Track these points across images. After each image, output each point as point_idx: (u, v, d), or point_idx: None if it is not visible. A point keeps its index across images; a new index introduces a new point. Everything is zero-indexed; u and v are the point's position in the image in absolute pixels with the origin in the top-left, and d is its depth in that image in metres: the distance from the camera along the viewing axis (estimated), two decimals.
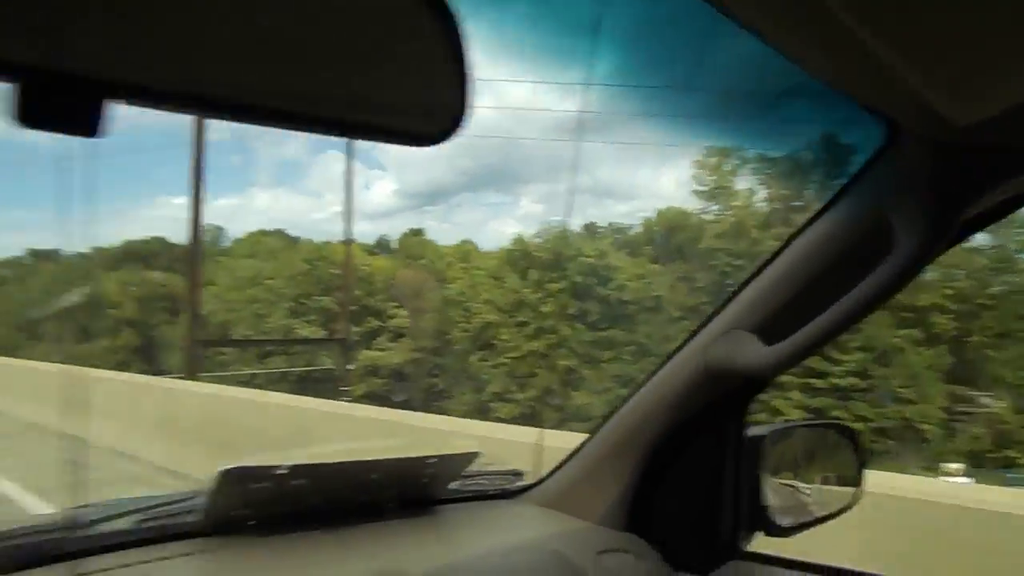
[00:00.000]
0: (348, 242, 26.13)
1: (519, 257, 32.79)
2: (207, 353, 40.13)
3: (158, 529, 1.03)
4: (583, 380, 30.22)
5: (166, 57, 0.41)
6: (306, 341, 32.20)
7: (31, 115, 0.38)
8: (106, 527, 1.01)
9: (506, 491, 1.37)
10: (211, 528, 1.04)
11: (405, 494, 1.22)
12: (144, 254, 57.25)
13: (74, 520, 1.02)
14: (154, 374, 32.28)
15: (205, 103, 0.45)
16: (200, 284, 17.54)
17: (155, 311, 41.89)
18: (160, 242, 64.68)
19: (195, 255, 17.44)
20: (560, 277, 30.86)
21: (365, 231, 68.48)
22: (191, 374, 16.80)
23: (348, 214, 26.60)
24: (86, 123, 0.40)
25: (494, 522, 1.28)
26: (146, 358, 40.17)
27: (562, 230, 32.49)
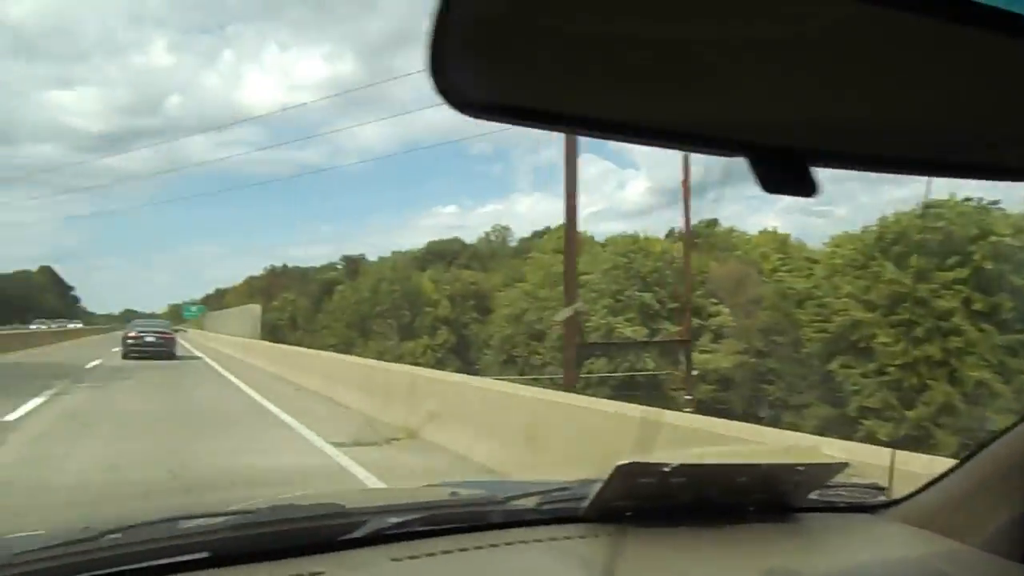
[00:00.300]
0: (686, 232, 22.48)
1: (892, 241, 26.56)
2: (523, 354, 39.22)
3: (554, 511, 1.19)
4: (995, 396, 23.37)
5: (858, 126, 0.49)
6: (655, 344, 29.21)
7: (765, 181, 0.48)
8: (516, 504, 1.20)
9: (866, 505, 1.31)
10: (595, 515, 1.16)
11: (768, 500, 1.24)
12: (446, 253, 59.49)
13: (491, 497, 1.23)
14: (471, 373, 31.42)
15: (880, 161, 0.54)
16: (575, 285, 14.67)
17: (466, 309, 42.16)
18: (458, 242, 67.32)
19: (570, 258, 14.61)
20: (959, 263, 24.16)
21: (618, 229, 66.42)
22: (570, 383, 14.22)
23: (687, 203, 22.43)
24: (806, 185, 0.48)
25: (857, 536, 1.24)
26: (460, 356, 40.48)
27: (957, 205, 25.62)
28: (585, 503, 1.15)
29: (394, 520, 1.09)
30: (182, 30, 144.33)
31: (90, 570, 0.94)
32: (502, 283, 42.96)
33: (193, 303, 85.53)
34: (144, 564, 0.96)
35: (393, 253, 61.38)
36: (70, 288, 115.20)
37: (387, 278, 40.63)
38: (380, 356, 37.72)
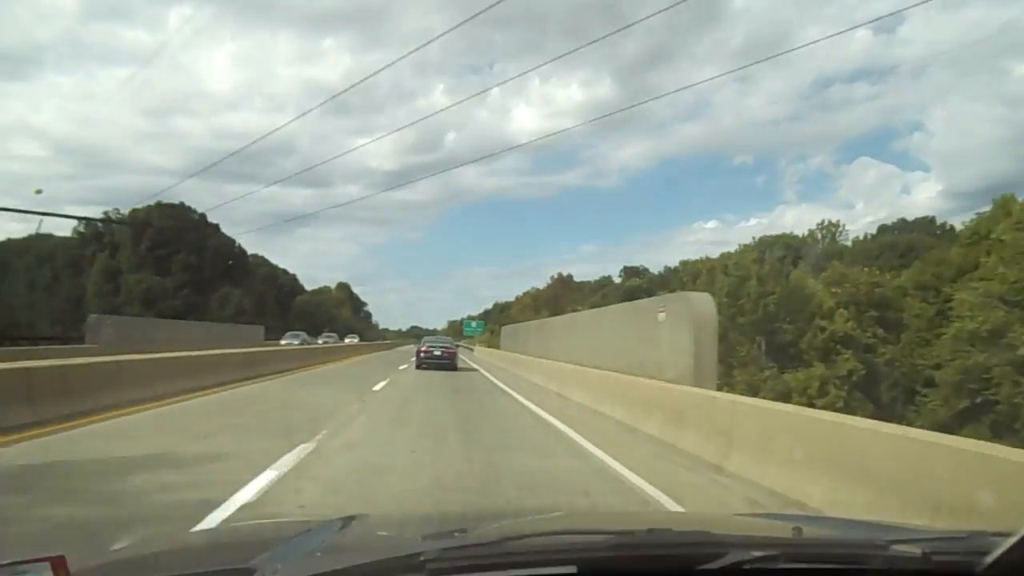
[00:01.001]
0: None
1: None
2: (1004, 397, 24.81)
3: (946, 563, 1.06)
4: None
5: None
6: None
7: None
8: (899, 550, 1.10)
9: None
10: (997, 574, 1.03)
11: None
12: (784, 252, 46.07)
13: (870, 539, 1.13)
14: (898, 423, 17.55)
15: None
16: None
17: (866, 322, 28.71)
18: (792, 238, 53.38)
19: None
20: None
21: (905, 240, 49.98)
22: None
23: None
24: None
25: None
26: (868, 395, 27.21)
27: None
28: (985, 559, 1.01)
29: (757, 554, 1.06)
30: (456, 74, 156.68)
31: (490, 569, 1.07)
32: (915, 285, 28.67)
33: (472, 319, 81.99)
34: (526, 572, 1.05)
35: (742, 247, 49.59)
36: (363, 304, 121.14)
37: (756, 276, 28.31)
38: (754, 393, 25.87)
